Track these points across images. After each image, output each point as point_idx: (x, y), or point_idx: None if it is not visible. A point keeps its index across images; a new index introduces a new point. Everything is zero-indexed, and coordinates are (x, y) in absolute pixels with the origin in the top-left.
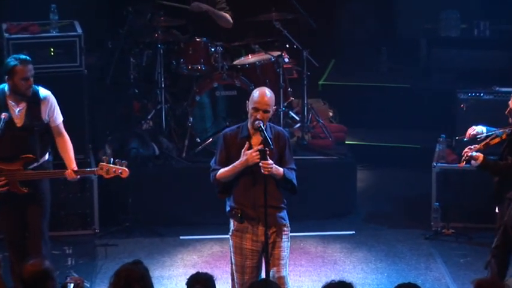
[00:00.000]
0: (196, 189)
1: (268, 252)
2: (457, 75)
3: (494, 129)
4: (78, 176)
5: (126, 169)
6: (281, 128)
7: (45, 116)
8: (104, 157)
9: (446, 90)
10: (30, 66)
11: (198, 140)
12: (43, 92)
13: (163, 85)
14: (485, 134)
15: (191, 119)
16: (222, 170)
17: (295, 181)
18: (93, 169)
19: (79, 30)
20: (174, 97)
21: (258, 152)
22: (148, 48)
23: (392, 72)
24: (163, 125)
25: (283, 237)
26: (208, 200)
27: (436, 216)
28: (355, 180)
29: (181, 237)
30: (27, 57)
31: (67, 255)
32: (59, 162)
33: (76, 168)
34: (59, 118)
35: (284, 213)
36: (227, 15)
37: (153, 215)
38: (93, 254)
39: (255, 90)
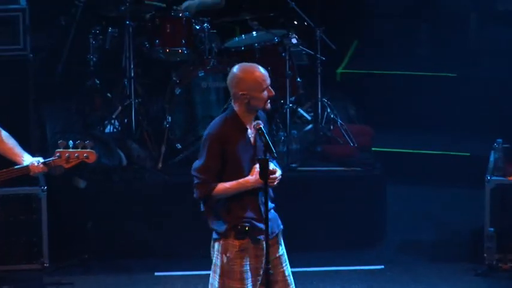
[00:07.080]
0: (176, 210)
1: (267, 271)
2: None
3: None
4: (46, 169)
5: (92, 151)
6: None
7: None
8: (60, 141)
9: (502, 81)
10: None
11: (179, 146)
12: None
13: (132, 74)
14: None
15: (169, 119)
16: (222, 186)
17: None
18: (49, 159)
19: (23, 3)
20: (147, 90)
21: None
22: (113, 25)
23: (433, 57)
24: (133, 126)
25: (283, 245)
26: (192, 225)
27: (490, 246)
28: (385, 199)
29: (156, 274)
30: None
31: None
32: None
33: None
34: None
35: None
36: None
37: (120, 245)
38: None
39: (237, 70)
